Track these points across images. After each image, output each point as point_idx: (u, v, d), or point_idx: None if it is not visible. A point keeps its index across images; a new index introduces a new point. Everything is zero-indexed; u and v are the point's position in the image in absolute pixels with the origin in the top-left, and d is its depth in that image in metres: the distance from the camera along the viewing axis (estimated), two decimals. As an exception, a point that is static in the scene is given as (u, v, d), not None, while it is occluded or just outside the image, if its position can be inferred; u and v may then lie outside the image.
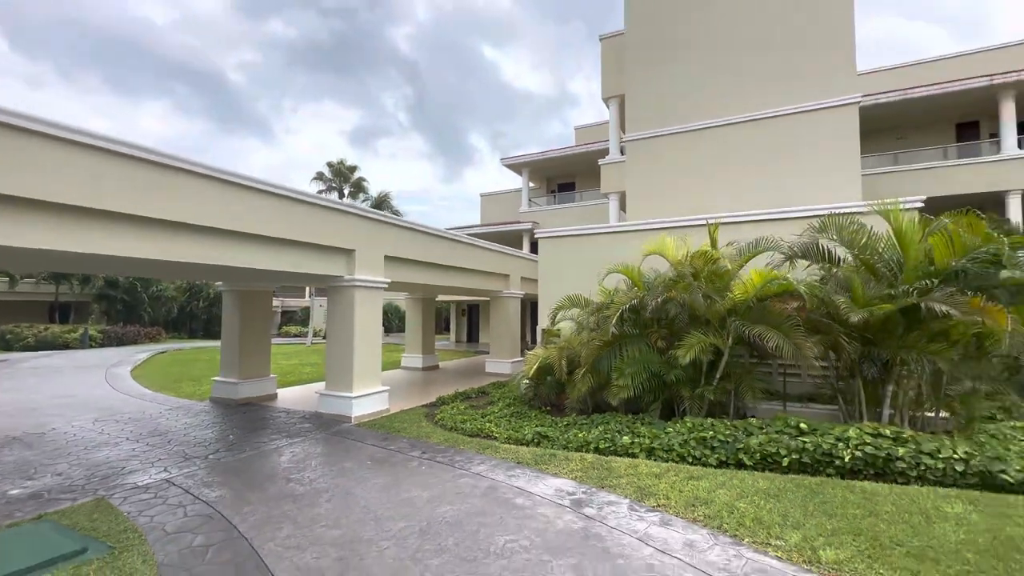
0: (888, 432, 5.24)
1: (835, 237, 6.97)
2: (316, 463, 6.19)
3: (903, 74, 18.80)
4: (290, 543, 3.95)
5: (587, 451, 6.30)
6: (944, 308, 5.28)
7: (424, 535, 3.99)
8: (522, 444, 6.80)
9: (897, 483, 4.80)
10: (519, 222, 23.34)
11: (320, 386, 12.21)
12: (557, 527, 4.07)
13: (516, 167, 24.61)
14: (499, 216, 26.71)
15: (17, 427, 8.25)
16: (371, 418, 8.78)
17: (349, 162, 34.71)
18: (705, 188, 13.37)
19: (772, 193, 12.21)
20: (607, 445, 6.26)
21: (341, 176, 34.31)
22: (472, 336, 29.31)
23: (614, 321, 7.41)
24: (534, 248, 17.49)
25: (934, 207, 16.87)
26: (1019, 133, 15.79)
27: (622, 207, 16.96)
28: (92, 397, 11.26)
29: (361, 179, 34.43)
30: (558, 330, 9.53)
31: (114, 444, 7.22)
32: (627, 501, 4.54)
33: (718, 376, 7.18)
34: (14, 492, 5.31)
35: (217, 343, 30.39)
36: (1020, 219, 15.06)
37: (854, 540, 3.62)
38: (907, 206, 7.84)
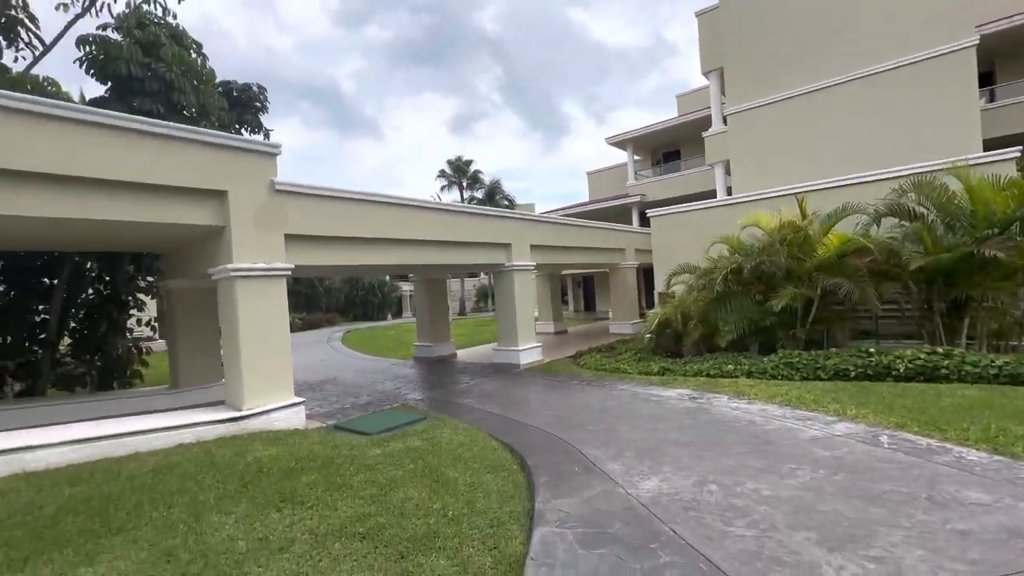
0: (941, 351, 6.91)
1: (915, 198, 8.34)
2: (512, 388, 9.54)
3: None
4: (526, 413, 7.18)
5: (700, 376, 8.73)
6: (993, 252, 6.68)
7: (601, 411, 6.95)
8: (651, 375, 9.43)
9: (943, 384, 6.54)
10: (627, 195, 25.11)
11: (481, 348, 16.00)
12: (679, 407, 6.75)
13: (620, 144, 26.23)
14: (606, 190, 28.62)
15: (321, 376, 13.02)
16: (533, 365, 12.04)
17: (465, 157, 38.88)
18: (808, 152, 14.22)
19: (877, 151, 12.80)
20: (716, 371, 8.64)
21: (460, 171, 38.74)
22: (589, 305, 31.88)
23: (719, 281, 9.59)
24: (643, 219, 19.37)
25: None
26: None
27: (728, 172, 18.05)
28: (337, 360, 16.35)
29: (477, 172, 38.57)
30: (673, 292, 11.82)
31: (382, 383, 11.42)
32: (726, 397, 7.02)
33: (811, 320, 9.02)
34: (359, 401, 9.42)
35: (382, 323, 37.42)
36: None
37: (875, 406, 5.71)
38: (999, 158, 8.75)
